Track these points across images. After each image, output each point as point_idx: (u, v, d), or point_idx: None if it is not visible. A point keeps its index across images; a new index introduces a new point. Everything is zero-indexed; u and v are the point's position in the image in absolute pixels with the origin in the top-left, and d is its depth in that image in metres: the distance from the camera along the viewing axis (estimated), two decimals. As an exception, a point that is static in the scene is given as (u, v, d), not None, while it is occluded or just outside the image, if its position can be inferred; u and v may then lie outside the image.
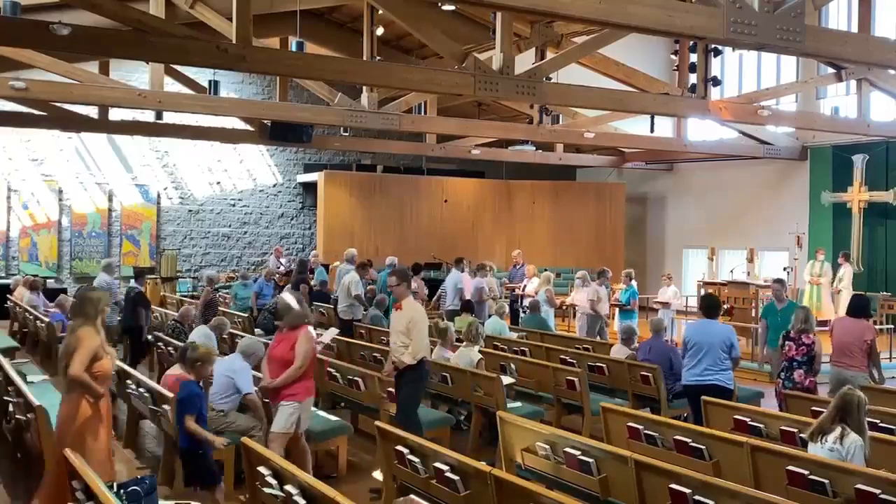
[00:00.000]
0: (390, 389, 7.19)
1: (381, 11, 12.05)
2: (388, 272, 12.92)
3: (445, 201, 20.66)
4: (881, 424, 6.10)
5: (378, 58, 12.71)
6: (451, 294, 12.92)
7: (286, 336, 6.14)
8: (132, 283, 12.60)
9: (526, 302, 13.08)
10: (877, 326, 13.28)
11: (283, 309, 6.22)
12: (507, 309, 11.86)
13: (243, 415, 6.74)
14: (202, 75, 14.33)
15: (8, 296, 14.55)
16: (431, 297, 15.03)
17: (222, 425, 6.44)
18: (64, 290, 16.34)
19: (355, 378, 7.70)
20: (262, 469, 4.51)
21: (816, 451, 4.96)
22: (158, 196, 19.81)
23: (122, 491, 4.39)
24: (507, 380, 7.91)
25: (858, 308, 8.11)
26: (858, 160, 15.28)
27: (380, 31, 13.03)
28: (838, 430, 4.88)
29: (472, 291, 12.68)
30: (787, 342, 7.67)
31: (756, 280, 15.22)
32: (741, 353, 7.68)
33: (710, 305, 7.45)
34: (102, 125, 15.03)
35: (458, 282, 12.99)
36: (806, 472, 4.64)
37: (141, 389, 7.02)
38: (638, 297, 13.22)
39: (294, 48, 12.05)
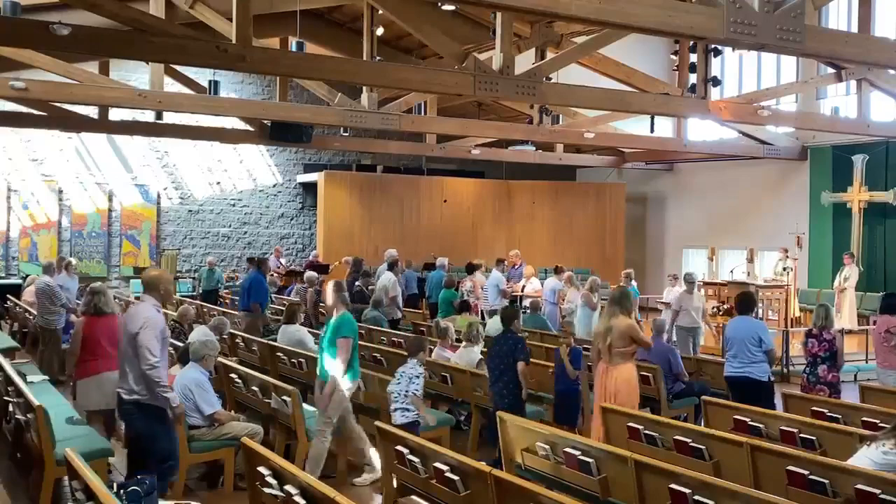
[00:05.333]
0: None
1: (381, 11, 12.05)
2: (440, 272, 13.15)
3: (445, 201, 20.66)
4: (881, 424, 6.09)
5: (378, 58, 12.70)
6: (493, 294, 13.02)
7: None
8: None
9: (526, 302, 13.09)
10: (874, 327, 13.32)
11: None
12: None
13: (237, 421, 6.61)
14: (202, 75, 14.32)
15: (8, 296, 14.55)
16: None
17: (217, 436, 6.35)
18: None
19: (355, 378, 7.69)
20: (262, 469, 4.51)
21: (863, 457, 4.84)
22: (158, 196, 19.81)
23: (122, 491, 4.39)
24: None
25: (888, 305, 8.32)
26: (858, 160, 15.27)
27: (380, 31, 13.01)
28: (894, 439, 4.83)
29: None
30: (809, 339, 7.87)
31: (756, 280, 15.21)
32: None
33: (742, 302, 7.81)
34: (102, 125, 15.02)
35: (500, 282, 13.10)
36: (806, 473, 4.63)
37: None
38: (638, 297, 13.19)
39: (294, 48, 12.05)
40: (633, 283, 13.01)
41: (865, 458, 4.76)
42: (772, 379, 7.62)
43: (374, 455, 6.32)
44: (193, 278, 19.71)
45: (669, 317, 11.29)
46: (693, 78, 12.61)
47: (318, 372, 6.53)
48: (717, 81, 12.72)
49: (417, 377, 6.56)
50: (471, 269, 13.66)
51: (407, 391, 6.48)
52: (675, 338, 11.10)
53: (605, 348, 6.77)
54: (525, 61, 11.45)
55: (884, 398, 7.35)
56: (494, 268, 13.68)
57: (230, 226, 20.72)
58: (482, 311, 13.05)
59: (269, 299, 11.85)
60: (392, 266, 12.61)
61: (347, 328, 6.34)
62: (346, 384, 6.36)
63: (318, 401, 6.39)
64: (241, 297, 11.81)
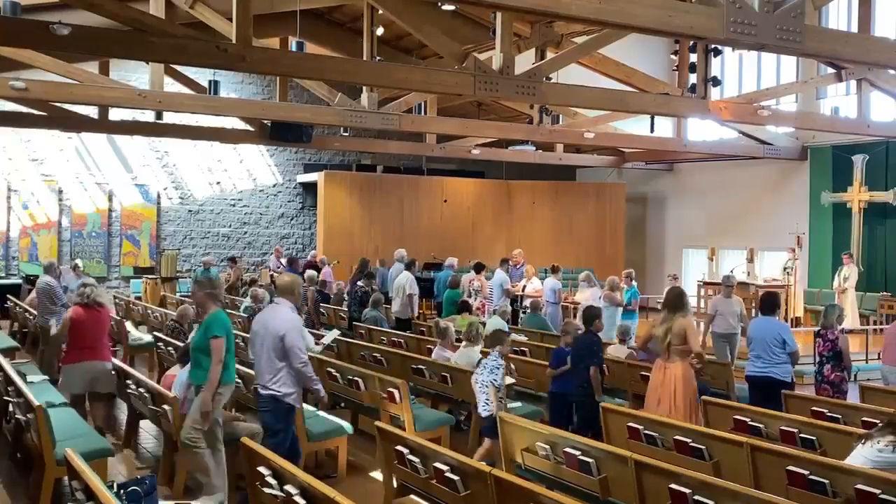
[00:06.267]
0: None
1: (381, 11, 12.05)
2: (448, 272, 13.19)
3: (445, 201, 20.66)
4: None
5: (378, 58, 12.70)
6: (497, 293, 13.06)
7: None
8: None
9: (526, 302, 13.09)
10: (875, 327, 13.37)
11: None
12: (508, 308, 11.89)
13: (238, 421, 6.58)
14: (202, 75, 14.33)
15: (8, 296, 14.55)
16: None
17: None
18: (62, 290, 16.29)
19: (355, 378, 7.70)
20: (261, 469, 4.51)
21: (858, 455, 4.83)
22: (158, 196, 19.81)
23: (122, 491, 4.39)
24: (507, 380, 7.90)
25: None
26: (858, 160, 15.28)
27: (380, 31, 13.01)
28: (889, 437, 4.80)
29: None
30: (817, 339, 7.99)
31: (756, 280, 15.21)
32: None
33: (765, 303, 7.85)
34: (102, 125, 15.02)
35: (504, 282, 13.15)
36: (806, 473, 4.63)
37: (141, 389, 7.02)
38: (639, 298, 13.19)
39: (294, 48, 12.05)
40: (634, 283, 13.00)
41: (861, 455, 4.77)
42: (793, 380, 7.67)
43: (222, 476, 5.77)
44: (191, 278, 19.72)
45: (704, 321, 10.70)
46: (693, 78, 12.61)
47: (189, 377, 5.96)
48: (717, 81, 12.72)
49: (498, 368, 6.76)
50: (479, 267, 13.69)
51: (487, 381, 6.72)
52: (710, 344, 10.38)
53: (664, 348, 7.02)
54: (525, 61, 11.45)
55: (884, 398, 7.35)
56: (498, 268, 13.69)
57: (230, 226, 20.72)
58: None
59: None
60: (410, 265, 12.68)
61: (218, 327, 5.66)
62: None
63: (193, 410, 5.72)
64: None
